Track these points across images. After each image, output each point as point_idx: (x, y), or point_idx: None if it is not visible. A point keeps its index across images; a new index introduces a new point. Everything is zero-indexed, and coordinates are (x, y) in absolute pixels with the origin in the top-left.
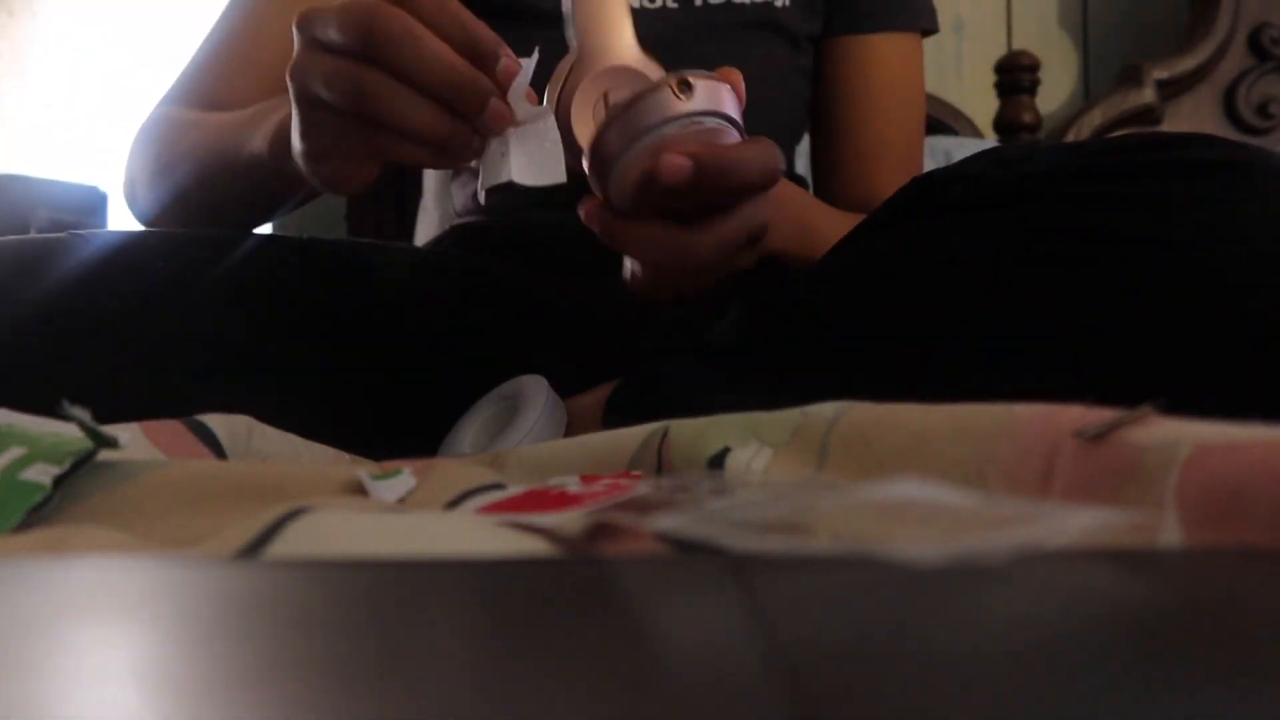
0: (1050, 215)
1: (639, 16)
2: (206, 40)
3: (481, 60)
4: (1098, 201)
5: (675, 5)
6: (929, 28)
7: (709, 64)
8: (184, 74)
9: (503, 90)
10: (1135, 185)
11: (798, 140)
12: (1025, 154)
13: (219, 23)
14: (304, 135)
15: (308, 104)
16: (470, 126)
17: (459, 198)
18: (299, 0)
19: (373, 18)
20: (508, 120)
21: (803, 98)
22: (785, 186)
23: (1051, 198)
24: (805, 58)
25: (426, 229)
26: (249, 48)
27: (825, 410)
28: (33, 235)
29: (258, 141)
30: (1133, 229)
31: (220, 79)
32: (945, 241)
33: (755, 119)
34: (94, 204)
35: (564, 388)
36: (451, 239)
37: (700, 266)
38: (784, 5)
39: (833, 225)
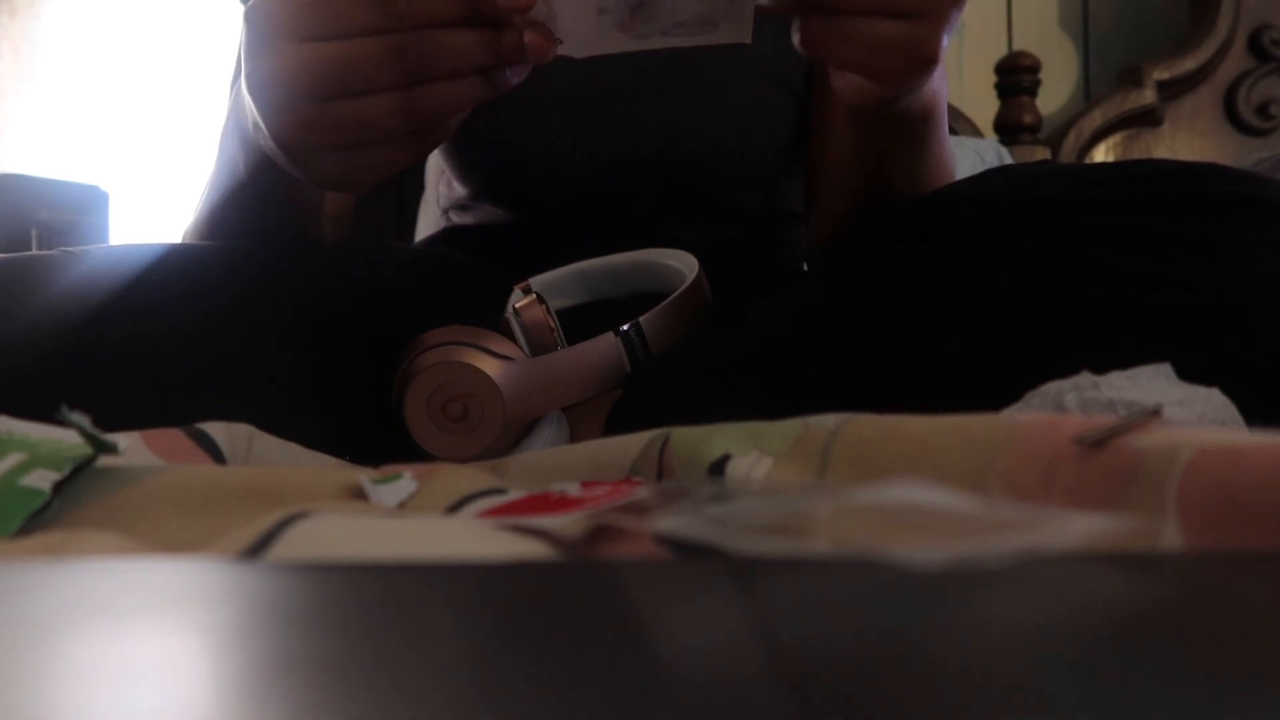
0: (1063, 248)
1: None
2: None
3: None
4: (1111, 236)
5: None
6: None
7: (697, 96)
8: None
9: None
10: (1149, 219)
11: (792, 166)
12: (1039, 176)
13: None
14: (323, 129)
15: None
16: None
17: (444, 196)
18: None
19: None
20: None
21: (792, 125)
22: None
23: (1064, 231)
24: (796, 77)
25: (428, 224)
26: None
27: (827, 421)
28: (26, 254)
29: (241, 157)
30: (1146, 266)
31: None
32: (955, 266)
33: (747, 148)
34: (95, 203)
35: None
36: (445, 240)
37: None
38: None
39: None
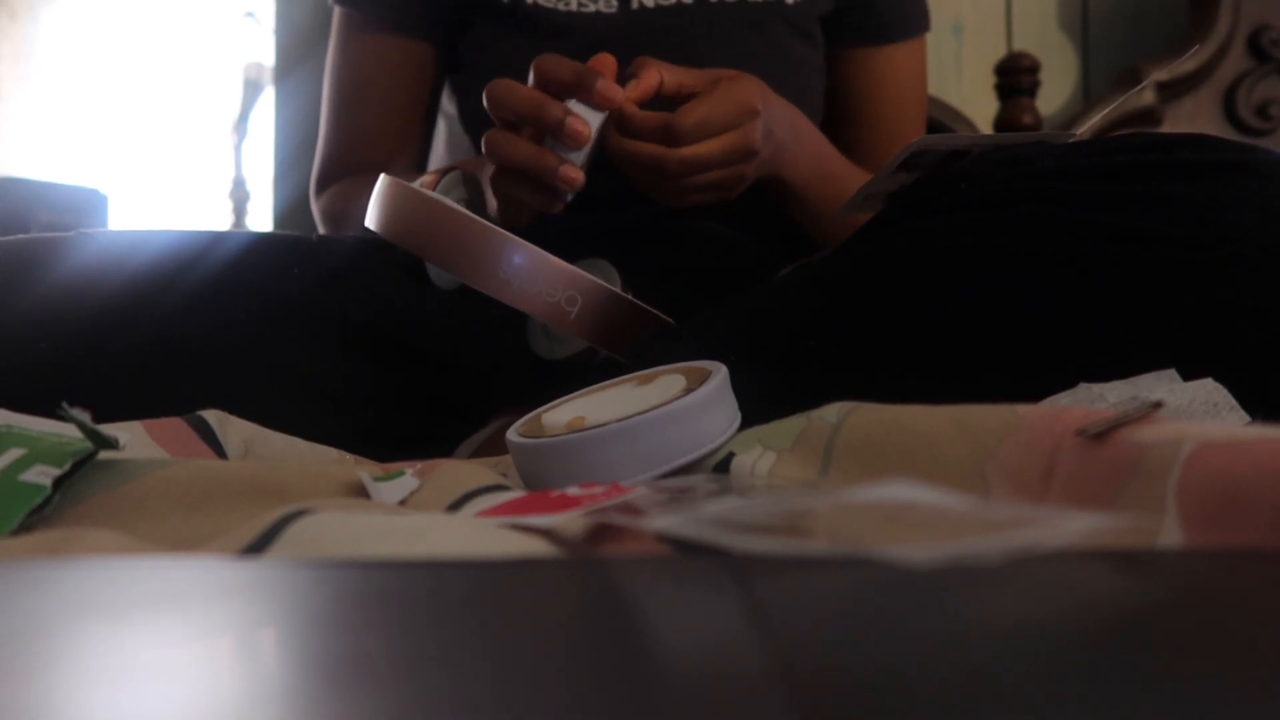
0: (1054, 215)
1: (650, 17)
2: (326, 119)
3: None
4: (1101, 201)
5: (690, 2)
6: (928, 29)
7: (725, 65)
8: (324, 154)
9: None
10: (1138, 185)
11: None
12: (1030, 154)
13: (329, 98)
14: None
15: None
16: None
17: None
18: (388, 52)
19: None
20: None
21: (820, 91)
22: (803, 121)
23: (1055, 197)
24: (819, 54)
25: None
26: (364, 112)
27: (829, 415)
28: (31, 235)
29: None
30: (1135, 228)
31: (352, 148)
32: (949, 241)
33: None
34: (94, 206)
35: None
36: None
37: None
38: (794, 3)
39: (848, 170)
